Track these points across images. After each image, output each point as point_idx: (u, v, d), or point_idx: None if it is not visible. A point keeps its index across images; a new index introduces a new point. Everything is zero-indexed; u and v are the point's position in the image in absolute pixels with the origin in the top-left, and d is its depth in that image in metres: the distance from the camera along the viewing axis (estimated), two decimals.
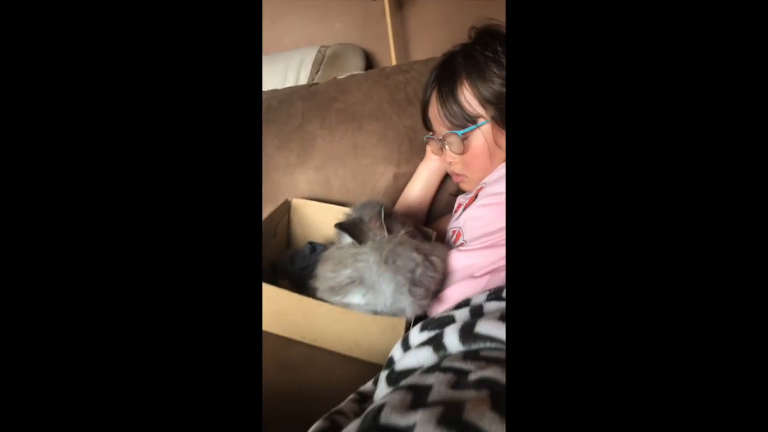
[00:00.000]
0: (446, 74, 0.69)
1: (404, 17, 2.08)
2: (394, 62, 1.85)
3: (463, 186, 0.76)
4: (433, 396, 0.26)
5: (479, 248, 0.60)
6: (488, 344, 0.32)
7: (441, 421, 0.22)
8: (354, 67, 1.82)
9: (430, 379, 0.28)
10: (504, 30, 0.71)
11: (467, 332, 0.33)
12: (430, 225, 0.83)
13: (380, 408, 0.26)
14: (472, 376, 0.27)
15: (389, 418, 0.24)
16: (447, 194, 0.85)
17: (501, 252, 0.57)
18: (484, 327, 0.33)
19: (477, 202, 0.66)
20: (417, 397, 0.26)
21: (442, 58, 0.73)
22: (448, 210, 0.83)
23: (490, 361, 0.29)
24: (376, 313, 0.54)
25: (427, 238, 0.70)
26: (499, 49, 0.67)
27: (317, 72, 1.87)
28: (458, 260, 0.61)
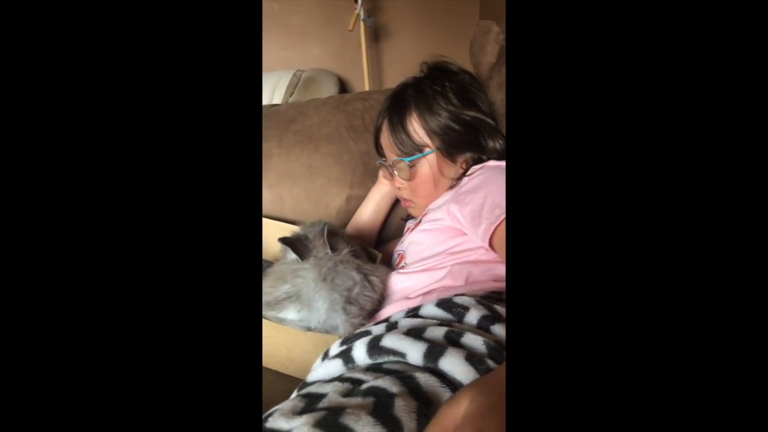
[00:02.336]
0: (397, 104, 0.73)
1: (380, 48, 2.15)
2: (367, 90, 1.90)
3: (411, 211, 0.79)
4: (323, 403, 0.27)
5: (416, 271, 0.62)
6: (391, 357, 0.33)
7: (317, 424, 0.24)
8: (327, 92, 1.86)
9: (327, 388, 0.29)
10: (453, 66, 0.76)
11: (374, 346, 0.35)
12: (380, 247, 0.85)
13: (271, 413, 0.27)
14: (365, 386, 0.29)
15: (275, 422, 0.26)
16: (398, 219, 0.87)
17: (436, 275, 0.59)
18: (389, 341, 0.34)
19: (419, 227, 0.69)
20: (308, 404, 0.27)
21: (395, 89, 0.76)
22: (399, 233, 0.85)
23: (389, 372, 0.31)
24: (309, 329, 0.55)
25: (372, 259, 0.72)
26: (447, 84, 0.72)
27: (291, 95, 1.90)
28: (396, 282, 0.63)
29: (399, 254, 0.72)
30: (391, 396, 0.27)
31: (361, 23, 1.77)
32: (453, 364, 0.31)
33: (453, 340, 0.34)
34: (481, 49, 0.82)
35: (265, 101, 1.80)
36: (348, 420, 0.24)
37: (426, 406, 0.28)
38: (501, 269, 0.58)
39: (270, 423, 0.25)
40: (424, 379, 0.30)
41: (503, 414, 0.24)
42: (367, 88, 1.90)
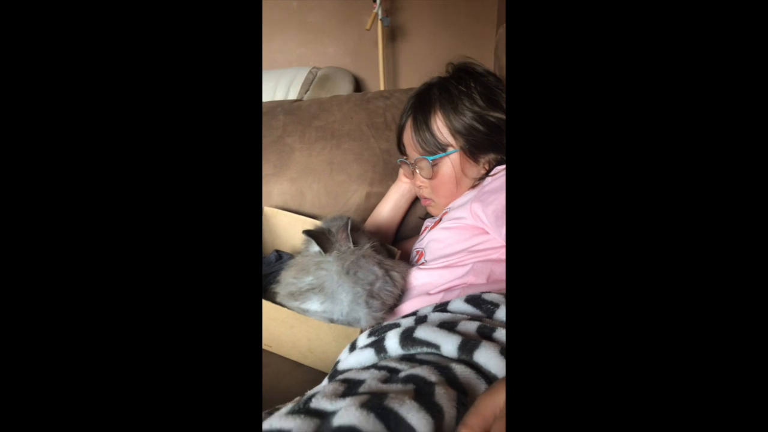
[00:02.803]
0: (422, 103, 0.74)
1: (396, 48, 2.16)
2: (382, 89, 1.91)
3: (431, 210, 0.79)
4: (363, 388, 0.28)
5: (437, 268, 0.63)
6: (425, 349, 0.34)
7: (363, 405, 0.24)
8: (343, 90, 1.87)
9: (365, 375, 0.30)
10: (478, 68, 0.76)
11: (407, 337, 0.35)
12: (397, 245, 0.86)
13: (312, 395, 0.27)
14: (402, 374, 0.30)
15: (319, 403, 0.26)
16: (416, 217, 0.88)
17: (457, 272, 0.60)
18: (422, 333, 0.35)
19: (440, 225, 0.69)
20: (349, 388, 0.28)
21: (419, 88, 0.77)
22: (416, 232, 0.86)
23: (423, 363, 0.32)
24: (331, 321, 0.56)
25: (390, 255, 0.73)
26: (472, 85, 0.72)
27: (306, 92, 1.91)
28: (417, 278, 0.63)
29: (418, 252, 0.72)
30: (430, 384, 0.28)
31: (379, 23, 1.78)
32: (488, 357, 0.31)
33: (486, 335, 0.35)
34: (504, 52, 0.82)
35: (281, 97, 1.82)
36: (393, 404, 0.25)
37: (464, 395, 0.29)
38: None
39: (314, 404, 0.26)
40: (461, 370, 0.31)
41: None
42: (382, 88, 1.90)
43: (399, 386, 0.27)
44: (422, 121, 0.72)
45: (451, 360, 0.32)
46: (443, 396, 0.27)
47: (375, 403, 0.25)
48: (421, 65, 2.08)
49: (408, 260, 0.74)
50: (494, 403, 0.25)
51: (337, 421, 0.23)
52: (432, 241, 0.69)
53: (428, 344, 0.34)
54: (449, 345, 0.33)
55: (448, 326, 0.36)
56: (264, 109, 0.90)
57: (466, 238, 0.64)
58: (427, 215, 0.83)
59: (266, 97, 1.75)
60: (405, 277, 0.64)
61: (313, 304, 0.57)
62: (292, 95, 1.88)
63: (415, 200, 0.86)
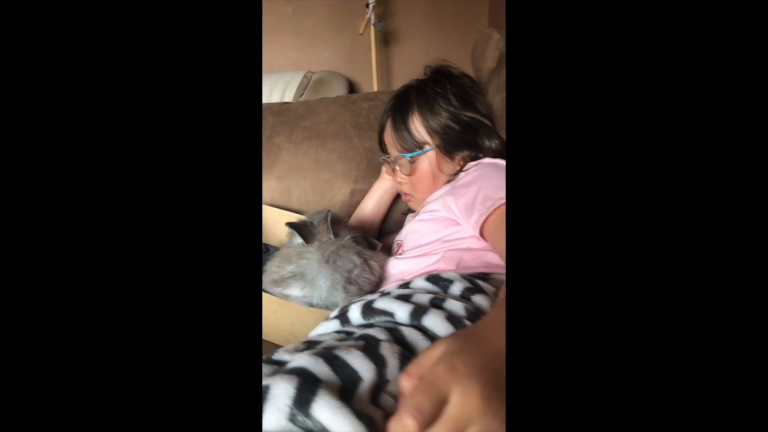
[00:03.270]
0: (400, 104, 0.78)
1: (389, 52, 2.20)
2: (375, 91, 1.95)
3: (411, 205, 0.83)
4: (320, 346, 0.32)
5: (412, 257, 0.67)
6: (382, 318, 0.38)
7: (315, 354, 0.28)
8: (337, 93, 1.91)
9: (325, 338, 0.34)
10: (454, 70, 0.81)
11: (367, 307, 0.40)
12: (382, 239, 0.90)
13: (276, 352, 0.32)
14: (356, 334, 0.34)
15: (279, 356, 0.30)
16: (399, 213, 0.92)
17: (429, 260, 0.64)
18: (381, 303, 0.39)
19: (417, 218, 0.74)
20: (308, 346, 0.32)
21: (398, 90, 0.82)
22: (399, 227, 0.90)
23: (378, 327, 0.36)
24: (311, 305, 0.60)
25: (372, 247, 0.77)
26: (448, 86, 0.77)
27: (301, 95, 1.95)
28: (394, 266, 0.68)
29: (398, 243, 0.77)
30: (378, 341, 0.32)
31: (372, 27, 1.82)
32: (434, 322, 0.36)
33: (436, 304, 0.39)
34: (482, 54, 0.87)
35: (276, 100, 1.86)
36: (341, 352, 0.29)
37: (409, 352, 0.33)
38: (490, 256, 0.62)
39: (275, 356, 0.30)
40: (408, 332, 0.35)
41: (474, 355, 0.28)
42: (375, 90, 1.94)
43: (351, 342, 0.32)
44: (401, 121, 0.77)
45: (403, 325, 0.36)
46: (387, 349, 0.31)
47: (326, 353, 0.29)
48: (413, 68, 2.11)
49: (390, 253, 0.79)
50: (432, 354, 0.29)
51: (291, 365, 0.27)
52: (410, 232, 0.73)
53: (385, 313, 0.38)
54: (402, 312, 0.37)
55: (404, 298, 0.40)
56: None
57: (440, 228, 0.68)
58: (409, 211, 0.87)
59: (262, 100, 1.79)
60: (383, 266, 0.68)
61: (294, 290, 0.61)
62: (288, 99, 1.92)
63: (398, 196, 0.90)
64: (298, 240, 0.67)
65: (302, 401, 0.24)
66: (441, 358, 0.29)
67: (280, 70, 2.07)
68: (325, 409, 0.24)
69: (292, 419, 0.23)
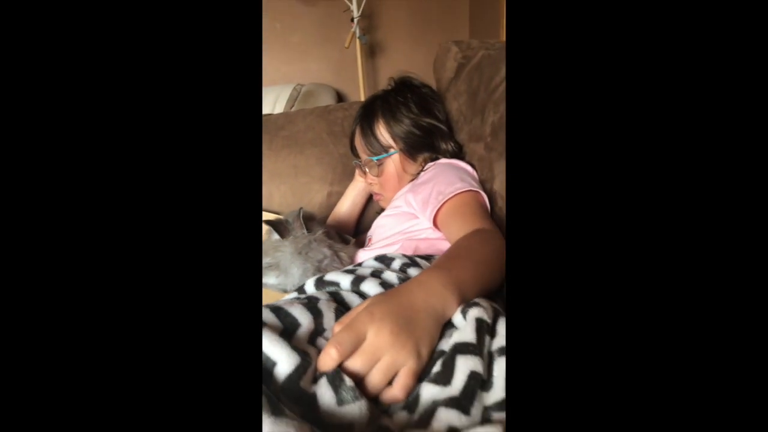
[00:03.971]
0: (367, 113, 0.87)
1: (375, 63, 2.29)
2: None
3: (381, 203, 0.92)
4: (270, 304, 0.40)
5: (377, 248, 0.75)
6: (331, 288, 0.46)
7: (264, 307, 0.36)
8: (325, 104, 2.00)
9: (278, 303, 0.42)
10: (415, 81, 0.90)
11: (319, 280, 0.48)
12: (358, 237, 0.98)
13: None
14: (303, 297, 0.42)
15: None
16: (373, 212, 1.01)
17: (390, 249, 0.72)
18: (330, 276, 0.47)
19: (383, 213, 0.82)
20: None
21: (366, 100, 0.90)
22: None
23: (323, 292, 0.44)
24: (285, 291, 0.68)
25: (345, 242, 0.85)
26: (409, 96, 0.86)
27: (291, 107, 2.03)
28: (361, 257, 0.76)
29: (368, 238, 0.85)
30: (318, 299, 0.40)
31: (357, 41, 1.90)
32: (370, 287, 0.44)
33: (375, 275, 0.47)
34: (441, 65, 0.96)
35: (267, 113, 1.94)
36: (285, 305, 0.37)
37: (345, 308, 0.41)
38: (443, 245, 0.70)
39: None
40: (347, 295, 0.43)
41: (389, 304, 0.36)
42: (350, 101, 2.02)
43: (295, 300, 0.40)
44: (368, 128, 0.85)
45: (344, 290, 0.45)
46: (325, 304, 0.39)
47: (272, 305, 0.37)
48: None
49: (363, 246, 0.87)
50: (360, 307, 0.37)
51: None
52: (377, 227, 0.82)
53: (332, 284, 0.46)
54: (345, 282, 0.46)
55: (351, 271, 0.48)
56: None
57: (401, 222, 0.76)
58: (381, 209, 0.96)
59: None
60: (352, 257, 0.76)
61: (270, 279, 0.69)
62: (278, 110, 2.00)
63: (371, 197, 0.98)
64: (276, 236, 0.75)
65: None
66: (364, 307, 0.37)
67: (270, 84, 2.15)
68: (266, 342, 0.32)
69: None
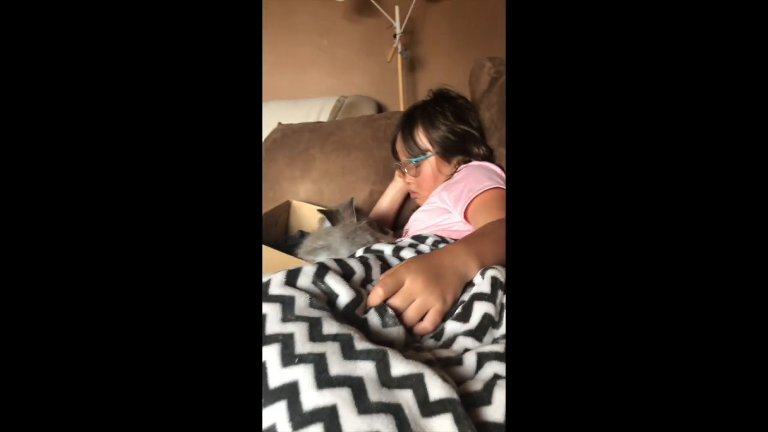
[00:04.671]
0: (408, 120, 0.99)
1: (415, 77, 2.40)
2: None
3: (418, 201, 1.03)
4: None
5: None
6: (372, 254, 0.58)
7: (328, 258, 0.48)
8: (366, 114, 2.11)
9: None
10: (452, 93, 1.01)
11: (367, 250, 0.59)
12: (396, 231, 1.09)
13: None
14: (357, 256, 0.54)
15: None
16: (410, 210, 1.12)
17: None
18: (376, 246, 0.59)
19: (420, 209, 0.93)
20: None
21: (407, 109, 1.02)
22: None
23: (371, 255, 0.56)
24: None
25: (384, 233, 0.97)
26: (446, 105, 0.97)
27: (334, 118, 2.17)
28: None
29: (405, 230, 0.96)
30: (368, 258, 0.51)
31: (399, 55, 2.00)
32: (407, 253, 0.54)
33: (412, 246, 0.58)
34: (476, 79, 1.07)
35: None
36: (345, 259, 0.48)
37: (387, 266, 0.52)
38: None
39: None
40: (389, 258, 0.54)
41: (422, 261, 0.47)
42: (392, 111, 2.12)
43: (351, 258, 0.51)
44: (408, 133, 0.97)
45: (387, 255, 0.56)
46: (374, 261, 0.50)
47: (336, 258, 0.48)
48: None
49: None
50: (399, 265, 0.48)
51: (316, 262, 0.47)
52: (414, 221, 0.93)
53: (378, 251, 0.58)
54: (388, 250, 0.57)
55: (392, 244, 0.59)
56: (294, 129, 1.17)
57: (435, 216, 0.87)
58: (417, 207, 1.07)
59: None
60: None
61: (321, 257, 0.81)
62: (323, 119, 2.14)
63: (408, 196, 1.09)
64: (328, 224, 0.88)
65: (319, 275, 0.43)
66: (402, 264, 0.48)
67: (316, 95, 2.29)
68: (331, 279, 0.43)
69: (314, 283, 0.43)
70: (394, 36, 1.98)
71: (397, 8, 1.90)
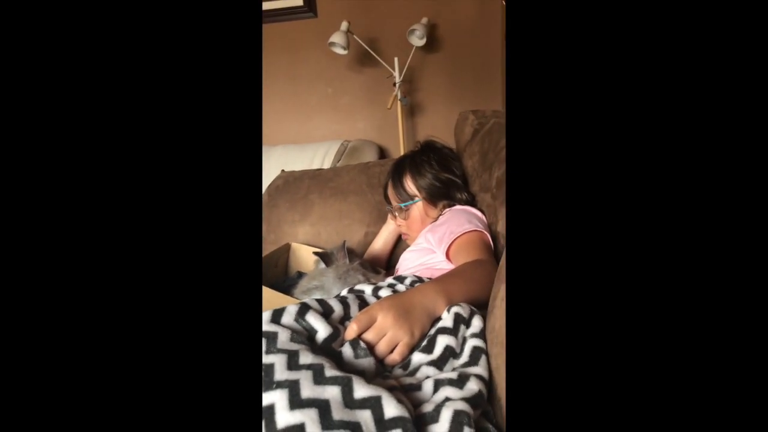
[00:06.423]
0: (398, 169, 1.08)
1: (414, 122, 2.51)
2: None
3: (408, 242, 1.10)
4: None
5: None
6: (358, 293, 0.64)
7: (311, 299, 0.55)
8: (369, 159, 2.17)
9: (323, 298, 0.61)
10: (438, 143, 1.10)
11: (350, 290, 0.66)
12: (389, 270, 1.16)
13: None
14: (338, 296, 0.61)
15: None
16: (401, 250, 1.19)
17: None
18: (359, 286, 0.66)
19: (408, 249, 1.00)
20: None
21: (398, 159, 1.12)
22: None
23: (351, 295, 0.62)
24: None
25: (376, 272, 1.04)
26: (432, 155, 1.06)
27: (338, 161, 2.21)
28: None
29: (396, 269, 1.03)
30: (347, 297, 0.58)
31: (399, 102, 2.11)
32: (385, 293, 0.61)
33: (390, 286, 0.65)
34: (461, 130, 1.16)
35: (317, 166, 2.17)
36: (326, 299, 0.55)
37: (366, 304, 0.59)
38: None
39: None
40: (368, 297, 0.61)
41: (394, 299, 0.54)
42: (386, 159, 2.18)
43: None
44: (398, 180, 1.06)
45: (367, 294, 0.63)
46: (352, 300, 0.57)
47: (318, 299, 0.55)
48: (437, 135, 2.39)
49: None
50: (375, 303, 0.55)
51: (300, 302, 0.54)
52: (403, 260, 1.00)
53: (360, 291, 0.65)
54: (368, 289, 0.64)
55: (373, 284, 0.66)
56: (296, 176, 1.27)
57: (422, 256, 0.94)
58: (408, 247, 1.14)
59: (305, 166, 2.09)
60: None
61: (315, 296, 0.88)
62: (327, 164, 2.19)
63: (400, 237, 1.17)
64: (322, 265, 0.95)
65: (301, 313, 0.50)
66: (377, 302, 0.55)
67: (321, 140, 2.40)
68: (311, 317, 0.50)
69: (296, 320, 0.49)
70: (394, 84, 2.10)
71: (396, 59, 2.03)
